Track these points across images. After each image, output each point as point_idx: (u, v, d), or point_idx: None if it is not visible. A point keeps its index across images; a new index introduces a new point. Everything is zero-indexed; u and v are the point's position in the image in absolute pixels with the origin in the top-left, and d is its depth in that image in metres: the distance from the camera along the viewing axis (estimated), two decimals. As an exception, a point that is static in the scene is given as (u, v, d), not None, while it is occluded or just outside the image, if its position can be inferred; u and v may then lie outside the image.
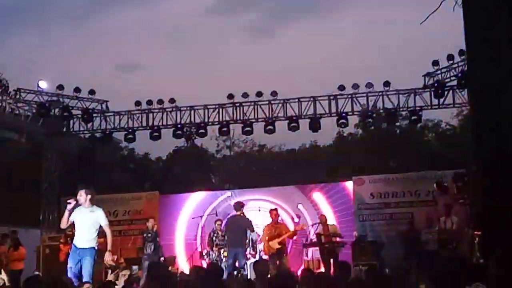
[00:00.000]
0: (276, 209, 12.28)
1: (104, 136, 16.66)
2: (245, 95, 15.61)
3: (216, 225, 13.39)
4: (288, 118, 15.56)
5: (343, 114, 15.50)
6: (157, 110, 16.13)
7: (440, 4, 7.15)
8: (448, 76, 14.99)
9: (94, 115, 16.38)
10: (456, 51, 14.12)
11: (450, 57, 14.56)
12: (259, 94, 15.57)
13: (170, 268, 12.62)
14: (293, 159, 27.71)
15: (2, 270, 12.02)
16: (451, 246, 11.30)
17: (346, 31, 41.60)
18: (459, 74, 14.39)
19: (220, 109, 15.92)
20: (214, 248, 12.92)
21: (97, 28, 44.07)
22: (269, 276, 6.48)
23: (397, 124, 22.45)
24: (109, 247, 8.02)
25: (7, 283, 7.79)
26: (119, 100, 17.97)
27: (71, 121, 16.66)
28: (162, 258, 13.22)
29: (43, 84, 15.76)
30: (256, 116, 15.73)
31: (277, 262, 11.30)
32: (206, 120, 15.99)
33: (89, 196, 7.98)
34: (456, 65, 14.58)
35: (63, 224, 8.19)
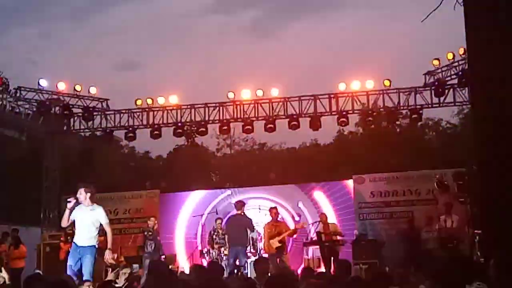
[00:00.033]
0: (275, 208, 12.27)
1: (104, 134, 16.67)
2: (245, 93, 15.61)
3: (217, 223, 13.39)
4: (288, 116, 15.56)
5: (344, 113, 15.51)
6: (157, 109, 16.14)
7: (441, 2, 7.13)
8: (448, 74, 14.98)
9: (95, 113, 16.39)
10: (457, 50, 14.12)
11: (450, 55, 14.55)
12: (260, 92, 15.56)
13: (170, 266, 12.62)
14: (293, 157, 27.70)
15: (3, 268, 11.98)
16: (451, 245, 11.30)
17: (346, 30, 41.62)
18: (460, 73, 14.38)
19: (221, 108, 15.93)
20: (214, 247, 12.93)
21: (98, 27, 44.10)
22: (269, 274, 6.48)
23: (398, 122, 22.45)
24: (109, 245, 8.03)
25: (7, 281, 7.78)
26: (119, 98, 18.00)
27: (72, 120, 16.66)
28: (163, 257, 13.23)
29: (44, 83, 15.76)
30: (256, 115, 15.73)
31: (278, 260, 11.30)
32: (206, 118, 16.00)
33: (88, 194, 7.99)
34: (456, 63, 14.57)
35: (64, 223, 8.20)
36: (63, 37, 45.72)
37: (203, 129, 16.15)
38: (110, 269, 12.16)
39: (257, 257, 11.89)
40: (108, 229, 8.08)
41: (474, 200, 10.89)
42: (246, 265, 11.51)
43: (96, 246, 8.02)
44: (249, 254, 12.19)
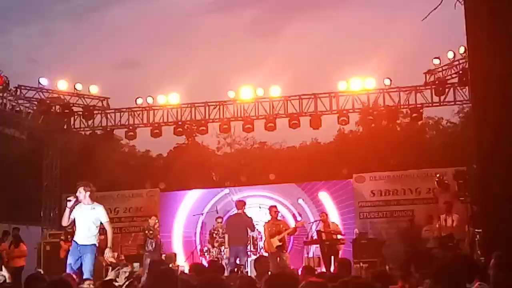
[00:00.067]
0: (275, 206, 12.29)
1: (105, 133, 16.67)
2: (246, 92, 15.60)
3: (217, 222, 13.41)
4: (289, 115, 15.56)
5: (344, 112, 15.50)
6: (158, 107, 16.14)
7: (442, 1, 7.13)
8: (449, 73, 14.97)
9: (95, 112, 16.39)
10: (457, 48, 14.11)
11: (451, 54, 14.54)
12: (260, 91, 15.56)
13: (170, 265, 12.63)
14: (294, 156, 27.69)
15: (3, 267, 12.02)
16: (452, 244, 11.30)
17: (347, 28, 41.56)
18: (460, 72, 14.37)
19: (221, 106, 15.93)
20: (215, 245, 12.95)
21: (98, 25, 44.06)
22: (269, 273, 6.48)
23: (398, 121, 22.41)
24: (109, 244, 8.04)
25: (8, 280, 7.80)
26: (120, 97, 18.00)
27: (72, 118, 16.66)
28: (163, 256, 13.26)
29: (44, 81, 15.76)
30: (257, 113, 15.73)
31: (278, 259, 11.31)
32: (207, 117, 16.00)
33: (88, 193, 7.99)
34: (457, 62, 14.55)
35: (64, 222, 8.21)
36: (63, 35, 45.69)
37: (204, 128, 16.15)
38: (111, 268, 12.18)
39: (257, 255, 11.89)
40: (108, 228, 8.09)
41: (474, 199, 10.88)
42: (246, 264, 11.52)
43: (97, 244, 8.03)
44: (249, 253, 12.20)
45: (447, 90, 15.11)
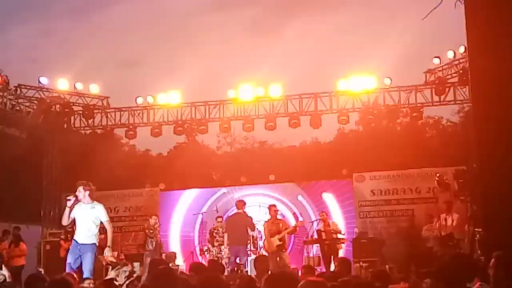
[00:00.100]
0: (275, 205, 12.31)
1: (105, 132, 16.68)
2: (246, 91, 15.60)
3: (217, 221, 13.41)
4: (289, 114, 15.57)
5: (344, 111, 15.50)
6: (158, 107, 16.14)
7: (442, 1, 7.13)
8: (449, 73, 14.97)
9: (95, 111, 16.39)
10: (458, 48, 14.10)
11: (451, 53, 14.53)
12: (260, 90, 15.55)
13: (170, 264, 12.64)
14: (294, 156, 27.68)
15: (3, 266, 12.01)
16: (452, 243, 11.31)
17: (347, 28, 41.53)
18: (461, 71, 14.36)
19: (221, 106, 15.94)
20: (215, 245, 12.95)
21: (98, 24, 44.02)
22: (269, 272, 6.48)
23: (398, 121, 22.42)
24: (109, 243, 8.05)
25: (8, 279, 7.79)
26: (120, 96, 18.00)
27: (72, 118, 16.68)
28: (164, 255, 13.26)
29: (44, 80, 15.76)
30: (257, 113, 15.73)
31: (278, 258, 11.32)
32: (207, 116, 16.01)
33: (87, 192, 8.00)
34: (457, 61, 14.55)
35: (64, 221, 8.21)
36: (63, 35, 45.66)
37: (204, 127, 16.16)
38: (111, 267, 12.19)
39: (257, 255, 11.90)
40: (108, 227, 8.10)
41: (474, 199, 10.89)
42: (246, 263, 11.53)
43: (97, 244, 8.03)
44: (249, 252, 12.20)
45: (447, 89, 15.11)
